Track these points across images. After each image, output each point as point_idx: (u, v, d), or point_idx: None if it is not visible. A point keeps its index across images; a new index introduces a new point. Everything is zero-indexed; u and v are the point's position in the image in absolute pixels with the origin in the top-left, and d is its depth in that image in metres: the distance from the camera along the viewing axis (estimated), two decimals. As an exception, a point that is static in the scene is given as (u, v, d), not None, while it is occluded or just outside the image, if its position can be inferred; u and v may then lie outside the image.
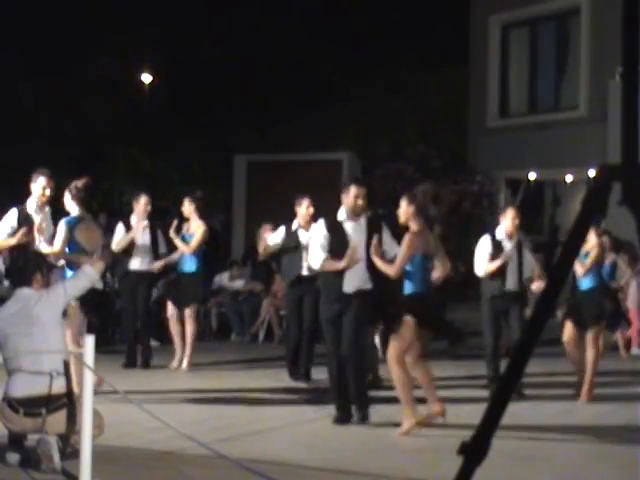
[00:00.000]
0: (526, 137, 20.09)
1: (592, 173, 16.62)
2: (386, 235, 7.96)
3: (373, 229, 7.89)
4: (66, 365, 6.21)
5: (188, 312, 11.16)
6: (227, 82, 27.15)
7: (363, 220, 7.94)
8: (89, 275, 6.66)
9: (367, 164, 20.87)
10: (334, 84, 27.24)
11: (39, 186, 9.04)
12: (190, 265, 11.22)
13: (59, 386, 6.09)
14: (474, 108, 22.14)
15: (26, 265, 6.58)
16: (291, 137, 24.91)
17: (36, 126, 25.25)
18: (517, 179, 21.52)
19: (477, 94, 21.85)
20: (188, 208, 11.32)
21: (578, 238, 2.23)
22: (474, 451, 2.17)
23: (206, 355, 11.82)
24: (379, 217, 9.55)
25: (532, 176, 21.30)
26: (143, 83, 27.25)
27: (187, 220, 11.34)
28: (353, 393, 7.81)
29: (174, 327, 11.21)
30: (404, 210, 7.80)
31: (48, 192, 9.06)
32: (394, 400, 7.84)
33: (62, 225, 8.85)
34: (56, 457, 5.98)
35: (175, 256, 11.30)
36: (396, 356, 7.49)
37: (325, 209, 8.54)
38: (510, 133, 20.69)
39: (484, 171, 20.62)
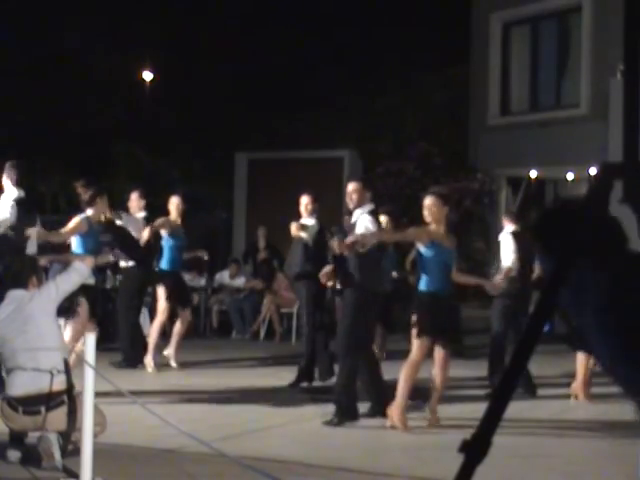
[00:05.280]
0: (527, 135, 20.06)
1: (593, 171, 16.60)
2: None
3: None
4: (66, 362, 6.21)
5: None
6: (228, 80, 27.14)
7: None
8: (79, 270, 6.64)
9: (368, 162, 20.84)
10: (335, 82, 27.22)
11: None
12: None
13: (58, 383, 6.09)
14: (475, 106, 22.12)
15: (22, 269, 6.56)
16: (292, 135, 24.90)
17: (36, 125, 25.24)
18: (518, 177, 21.49)
19: (478, 92, 21.83)
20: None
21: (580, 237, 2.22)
22: (475, 449, 2.16)
23: (207, 353, 11.82)
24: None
25: (533, 174, 21.27)
26: (144, 81, 27.24)
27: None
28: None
29: None
30: (439, 210, 7.68)
31: None
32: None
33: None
34: (57, 454, 5.98)
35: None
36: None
37: (326, 206, 8.53)
38: (511, 131, 20.66)
39: (485, 169, 20.59)
